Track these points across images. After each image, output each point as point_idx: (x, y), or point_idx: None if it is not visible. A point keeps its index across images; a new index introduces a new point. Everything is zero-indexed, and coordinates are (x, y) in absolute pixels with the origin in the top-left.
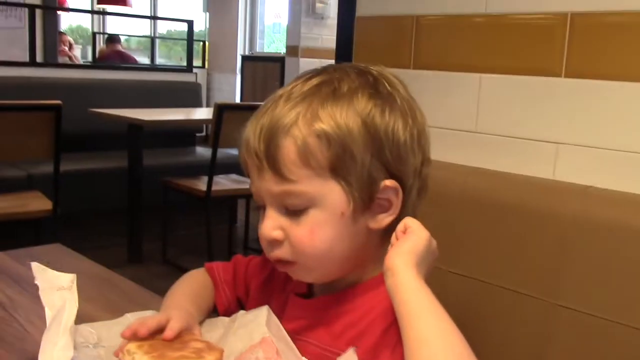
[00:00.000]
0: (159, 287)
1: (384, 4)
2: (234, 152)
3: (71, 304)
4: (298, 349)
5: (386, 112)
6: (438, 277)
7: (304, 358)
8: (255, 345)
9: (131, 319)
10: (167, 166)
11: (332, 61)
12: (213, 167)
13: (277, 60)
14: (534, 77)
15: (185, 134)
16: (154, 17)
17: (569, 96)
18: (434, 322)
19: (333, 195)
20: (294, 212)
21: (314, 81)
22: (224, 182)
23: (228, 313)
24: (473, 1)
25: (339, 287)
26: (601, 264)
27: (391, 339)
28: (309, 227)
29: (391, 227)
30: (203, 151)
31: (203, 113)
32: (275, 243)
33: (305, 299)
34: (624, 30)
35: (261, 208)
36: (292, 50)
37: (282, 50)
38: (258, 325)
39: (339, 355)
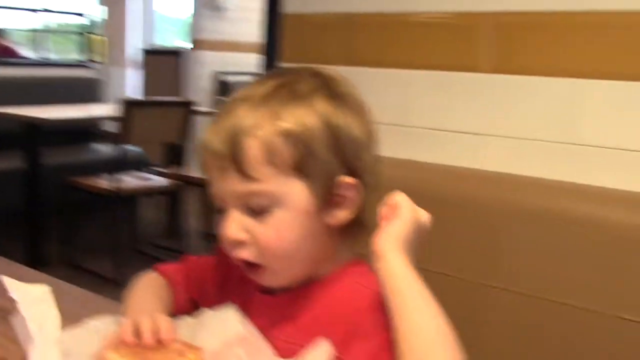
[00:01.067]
0: (66, 290)
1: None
2: (134, 148)
3: (53, 317)
4: None
5: (343, 111)
6: None
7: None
8: (231, 342)
9: (96, 325)
10: (66, 165)
11: (238, 55)
12: (120, 165)
13: (179, 54)
14: (459, 72)
15: (82, 131)
16: (45, 10)
17: (492, 91)
18: (426, 312)
19: (297, 193)
20: (259, 212)
21: (271, 83)
22: (129, 180)
23: (183, 314)
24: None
25: (299, 283)
26: (531, 247)
27: (358, 328)
28: (275, 228)
29: (349, 224)
30: (101, 148)
31: (103, 109)
32: (240, 244)
33: (270, 296)
34: (542, 29)
35: (221, 211)
36: (195, 43)
37: (181, 43)
38: (231, 324)
39: (305, 347)
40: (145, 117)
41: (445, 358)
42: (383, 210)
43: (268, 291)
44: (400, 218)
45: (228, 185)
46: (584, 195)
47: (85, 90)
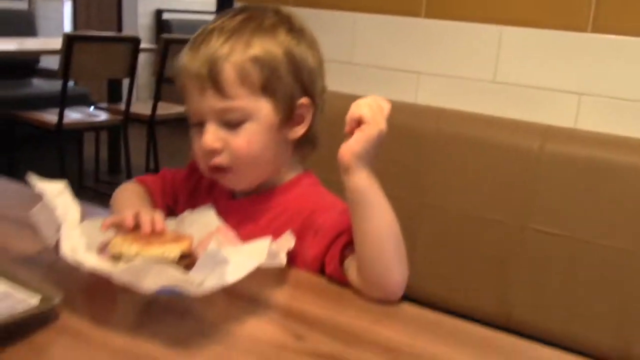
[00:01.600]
0: None
1: None
2: (71, 84)
3: (73, 204)
4: None
5: (300, 43)
6: None
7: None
8: (213, 232)
9: (94, 222)
10: (6, 99)
11: None
12: (64, 99)
13: None
14: (399, 17)
15: (22, 66)
16: None
17: (430, 35)
18: (382, 219)
19: (264, 110)
20: (233, 125)
21: (240, 17)
22: (72, 115)
23: None
24: None
25: (259, 190)
26: (457, 169)
27: (311, 225)
28: (247, 137)
29: (301, 139)
30: (41, 83)
31: (44, 43)
32: (215, 152)
33: (234, 201)
34: None
35: (197, 125)
36: None
37: None
38: (211, 219)
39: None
40: (88, 52)
41: (394, 258)
42: (349, 121)
43: (232, 197)
44: (364, 133)
45: (207, 102)
46: (501, 126)
47: (19, 23)
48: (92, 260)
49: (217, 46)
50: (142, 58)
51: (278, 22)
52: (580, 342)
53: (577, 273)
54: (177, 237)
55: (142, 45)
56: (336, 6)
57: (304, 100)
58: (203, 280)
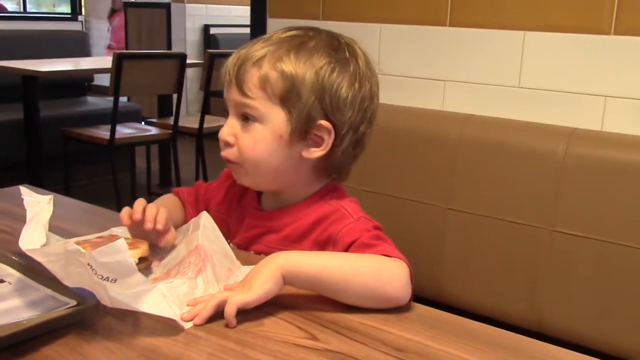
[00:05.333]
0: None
1: None
2: (124, 100)
3: (47, 209)
4: (251, 250)
5: (336, 71)
6: None
7: (236, 262)
8: (192, 250)
9: (117, 231)
10: (62, 117)
11: (226, 7)
12: (115, 115)
13: (163, 6)
14: (424, 26)
15: (76, 84)
16: None
17: (454, 43)
18: (338, 282)
19: (277, 118)
20: (247, 121)
21: (290, 33)
22: (123, 130)
23: None
24: None
25: (283, 205)
26: (484, 175)
27: (329, 238)
28: (254, 138)
29: (321, 164)
30: (95, 100)
31: (96, 62)
32: (228, 145)
33: (260, 212)
34: None
35: (227, 114)
36: None
37: None
38: (196, 234)
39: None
40: (137, 70)
41: (374, 288)
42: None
43: (259, 209)
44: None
45: (231, 96)
46: (526, 130)
47: (74, 43)
48: (36, 251)
49: (253, 50)
50: (191, 73)
51: (325, 45)
52: (611, 344)
53: (604, 275)
54: (133, 243)
55: (189, 61)
56: (362, 18)
57: (323, 122)
58: (117, 293)
